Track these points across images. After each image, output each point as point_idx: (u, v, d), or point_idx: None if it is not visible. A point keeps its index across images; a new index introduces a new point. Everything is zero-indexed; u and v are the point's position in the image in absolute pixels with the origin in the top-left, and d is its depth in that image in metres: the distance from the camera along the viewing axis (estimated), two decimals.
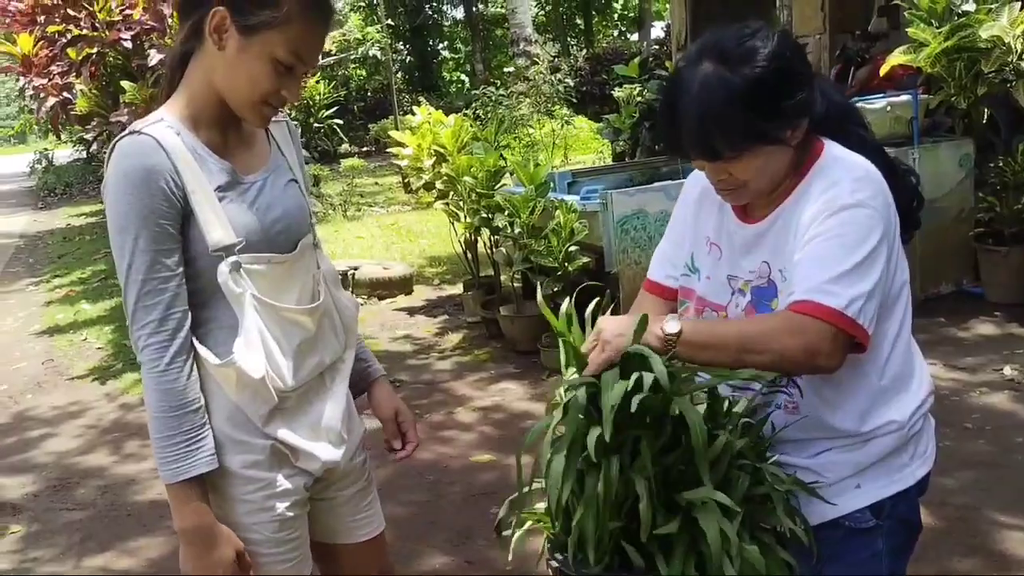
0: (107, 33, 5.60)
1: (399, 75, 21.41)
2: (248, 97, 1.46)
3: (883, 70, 5.64)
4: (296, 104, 8.13)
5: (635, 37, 24.05)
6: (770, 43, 1.36)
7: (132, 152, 1.42)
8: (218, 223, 1.46)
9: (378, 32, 17.94)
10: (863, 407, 1.43)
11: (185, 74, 1.51)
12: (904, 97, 5.26)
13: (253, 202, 1.52)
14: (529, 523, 1.46)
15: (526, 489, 1.42)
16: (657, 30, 22.51)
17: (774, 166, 1.40)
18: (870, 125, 1.56)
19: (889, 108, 5.18)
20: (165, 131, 1.45)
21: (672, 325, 1.29)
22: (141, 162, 1.41)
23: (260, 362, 1.49)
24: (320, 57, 1.61)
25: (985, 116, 5.54)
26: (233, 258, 1.47)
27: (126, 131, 1.46)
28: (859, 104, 5.36)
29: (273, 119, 1.64)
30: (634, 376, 1.21)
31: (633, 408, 1.17)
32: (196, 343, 1.49)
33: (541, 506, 1.42)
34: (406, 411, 1.84)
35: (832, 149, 1.45)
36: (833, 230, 1.34)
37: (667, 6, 17.91)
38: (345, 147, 16.89)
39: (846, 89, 7.40)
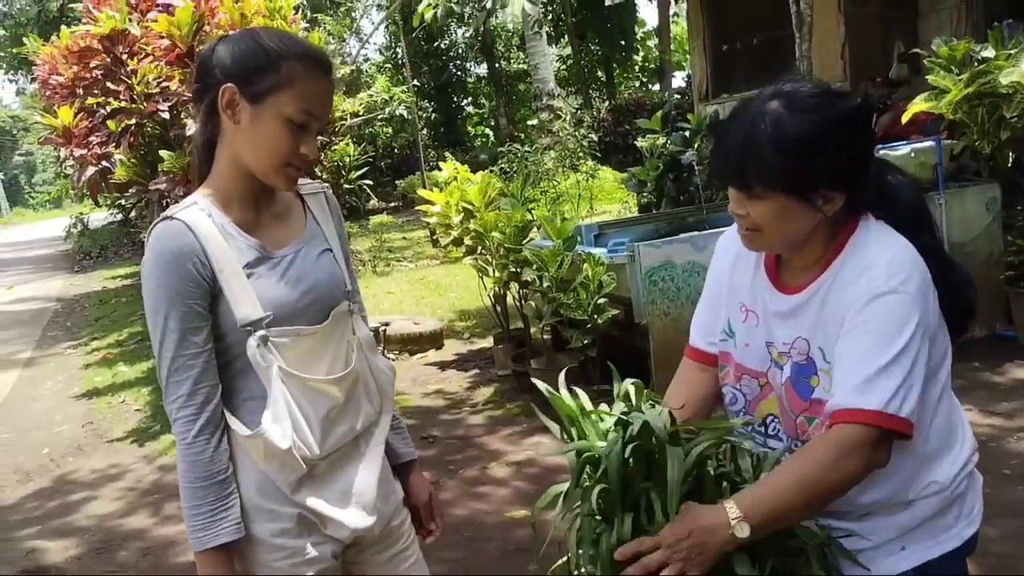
0: (145, 105, 5.79)
1: (425, 131, 21.78)
2: (271, 162, 1.53)
3: (905, 116, 5.68)
4: (327, 167, 8.31)
5: (656, 87, 24.29)
6: (840, 108, 1.37)
7: (163, 236, 1.51)
8: (246, 299, 1.52)
9: (404, 92, 18.30)
10: (907, 476, 1.43)
11: (214, 158, 1.59)
12: (928, 143, 5.29)
13: (283, 276, 1.58)
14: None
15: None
16: (678, 80, 22.74)
17: (794, 224, 1.40)
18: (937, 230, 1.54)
19: (913, 154, 5.21)
20: (196, 214, 1.53)
21: (742, 529, 1.28)
22: (170, 246, 1.49)
23: (287, 433, 1.54)
24: (330, 112, 1.67)
25: (1010, 160, 5.55)
26: (261, 332, 1.53)
27: (161, 217, 1.55)
28: (882, 151, 5.41)
29: (311, 191, 1.72)
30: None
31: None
32: (227, 414, 1.55)
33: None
34: (435, 497, 1.90)
35: (871, 225, 1.45)
36: (869, 322, 1.35)
37: (688, 57, 18.13)
38: (373, 203, 17.13)
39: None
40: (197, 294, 1.50)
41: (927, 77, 5.39)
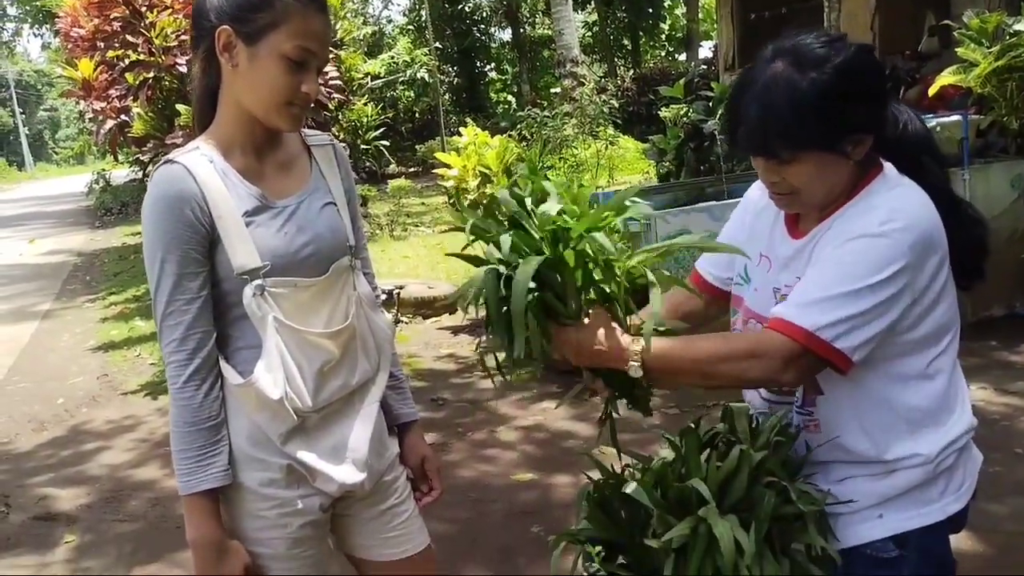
0: (163, 58, 5.79)
1: (446, 96, 21.65)
2: (271, 102, 1.50)
3: (932, 90, 5.58)
4: (345, 126, 8.30)
5: (683, 57, 24.02)
6: (845, 53, 1.34)
7: (163, 180, 1.49)
8: (243, 247, 1.51)
9: (426, 55, 18.16)
10: (881, 435, 1.41)
11: (216, 105, 1.57)
12: (954, 117, 5.19)
13: (283, 226, 1.56)
14: (564, 542, 1.48)
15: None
16: (705, 50, 22.47)
17: (830, 177, 1.38)
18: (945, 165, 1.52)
19: (939, 128, 5.11)
20: (197, 159, 1.51)
21: (635, 371, 1.33)
22: (169, 190, 1.48)
23: (279, 383, 1.53)
24: (328, 49, 1.63)
25: None
26: (258, 281, 1.51)
27: (162, 160, 1.53)
28: None
29: (319, 143, 1.69)
30: None
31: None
32: (221, 361, 1.55)
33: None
34: (433, 458, 1.88)
35: (888, 174, 1.42)
36: (844, 257, 1.33)
37: (715, 27, 17.88)
38: (392, 167, 17.11)
39: None
40: (195, 240, 1.48)
41: (957, 50, 5.28)
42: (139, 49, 5.77)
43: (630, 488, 1.34)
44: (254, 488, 1.58)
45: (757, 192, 1.62)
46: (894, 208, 1.34)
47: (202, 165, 1.50)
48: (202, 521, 1.51)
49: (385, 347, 1.75)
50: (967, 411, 1.50)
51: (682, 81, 7.63)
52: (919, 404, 1.41)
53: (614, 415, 1.62)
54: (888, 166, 1.43)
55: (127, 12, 5.94)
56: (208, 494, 1.51)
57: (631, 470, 1.46)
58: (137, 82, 5.79)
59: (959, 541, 2.94)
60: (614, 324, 1.37)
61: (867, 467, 1.41)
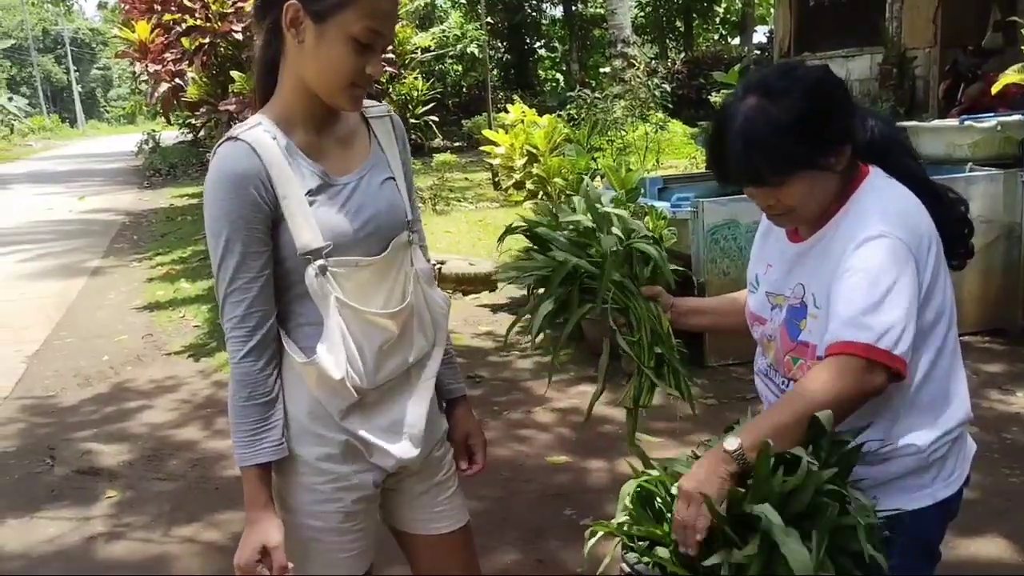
0: (219, 24, 5.83)
1: (495, 72, 21.57)
2: (336, 83, 1.49)
3: (995, 88, 5.45)
4: (395, 100, 8.30)
5: (736, 41, 23.69)
6: (810, 76, 1.48)
7: (228, 157, 1.49)
8: (307, 227, 1.51)
9: (476, 30, 18.08)
10: (885, 428, 1.48)
11: (278, 78, 1.56)
12: (1016, 117, 5.08)
13: (344, 204, 1.56)
14: (602, 532, 1.48)
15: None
16: (760, 35, 22.15)
17: (820, 191, 1.49)
18: (919, 155, 1.63)
19: (999, 128, 5.00)
20: (262, 135, 1.50)
21: (731, 442, 1.33)
22: (235, 168, 1.47)
23: (341, 363, 1.54)
24: (395, 30, 1.64)
25: None
26: (320, 261, 1.52)
27: (226, 136, 1.53)
28: (967, 123, 5.20)
29: (377, 114, 1.69)
30: None
31: None
32: (284, 337, 1.56)
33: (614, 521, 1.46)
34: (478, 433, 1.89)
35: (874, 178, 1.53)
36: (857, 264, 1.41)
37: (772, 12, 17.58)
38: (438, 141, 17.10)
39: (955, 106, 7.17)
40: (258, 219, 1.49)
41: (1022, 48, 5.14)
42: (196, 14, 5.82)
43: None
44: (311, 462, 1.60)
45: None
46: (885, 210, 1.45)
47: (266, 142, 1.50)
48: (251, 493, 1.54)
49: (441, 322, 1.75)
50: (964, 402, 1.57)
51: (737, 67, 7.53)
52: (920, 399, 1.49)
53: (641, 406, 1.67)
54: (874, 169, 1.54)
55: None
56: (261, 467, 1.53)
57: (684, 463, 1.45)
58: (193, 47, 5.85)
59: (999, 549, 2.91)
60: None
61: (864, 455, 1.45)
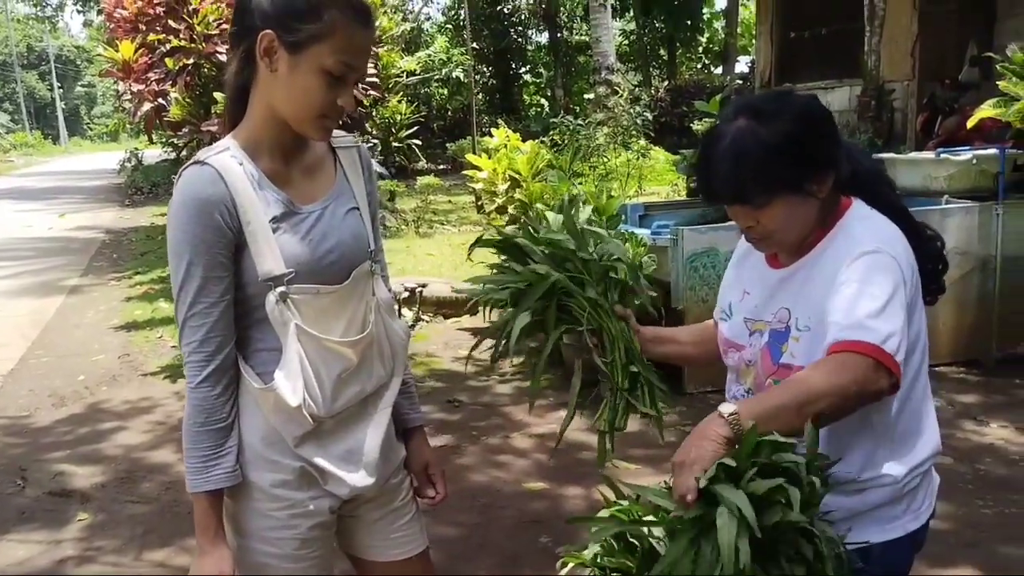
0: (204, 45, 5.84)
1: (480, 96, 21.68)
2: (307, 113, 1.50)
3: (971, 122, 5.53)
4: (378, 123, 8.32)
5: (719, 71, 23.91)
6: (800, 103, 1.52)
7: (194, 181, 1.49)
8: (269, 254, 1.51)
9: (462, 55, 18.19)
10: (864, 458, 1.51)
11: (248, 104, 1.56)
12: (991, 151, 5.14)
13: (307, 233, 1.56)
14: (573, 564, 1.48)
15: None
16: (742, 65, 22.38)
17: (801, 217, 1.51)
18: (898, 189, 1.67)
19: (975, 161, 5.06)
20: (228, 161, 1.50)
21: (726, 407, 1.34)
22: (200, 192, 1.47)
23: (298, 390, 1.54)
24: (368, 63, 1.63)
25: None
26: (281, 288, 1.52)
27: (193, 160, 1.52)
28: (943, 155, 5.27)
29: (344, 145, 1.69)
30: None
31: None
32: (241, 362, 1.56)
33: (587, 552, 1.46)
34: (436, 463, 1.88)
35: (859, 208, 1.56)
36: (858, 273, 1.44)
37: (754, 42, 17.80)
38: (422, 164, 17.14)
39: (932, 138, 7.27)
40: (221, 244, 1.49)
41: (998, 83, 5.22)
42: (180, 35, 5.83)
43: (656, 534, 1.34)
44: (265, 488, 1.59)
45: (743, 240, 1.74)
46: (876, 234, 1.49)
47: (233, 168, 1.50)
48: (201, 520, 1.53)
49: (400, 352, 1.75)
50: (935, 434, 1.60)
51: (718, 97, 7.60)
52: (898, 426, 1.51)
53: (617, 428, 1.67)
54: (856, 200, 1.57)
55: None
56: (212, 493, 1.53)
57: (656, 492, 1.45)
58: (176, 68, 5.85)
59: None
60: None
61: (842, 485, 1.47)
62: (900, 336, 1.38)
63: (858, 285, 1.42)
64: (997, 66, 5.33)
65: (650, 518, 1.39)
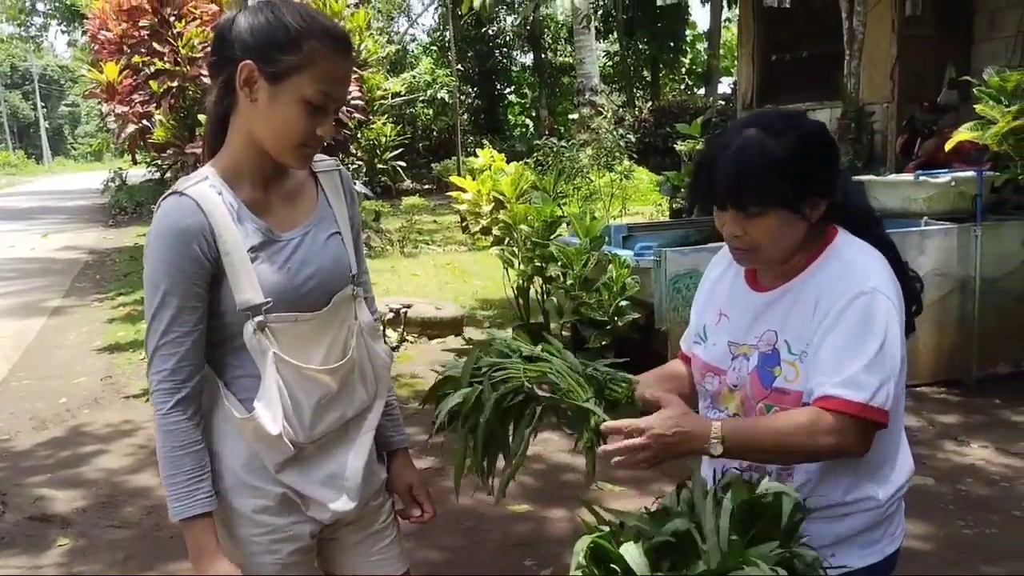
0: (188, 68, 5.85)
1: (465, 116, 21.76)
2: (287, 142, 1.51)
3: (949, 145, 5.60)
4: (363, 144, 8.34)
5: (702, 92, 24.09)
6: (809, 126, 1.55)
7: (172, 212, 1.50)
8: (248, 284, 1.51)
9: (447, 76, 18.28)
10: (844, 479, 1.54)
11: (228, 132, 1.57)
12: (969, 173, 5.21)
13: (286, 261, 1.56)
14: None
15: None
16: (724, 86, 22.55)
17: (789, 235, 1.53)
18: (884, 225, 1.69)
19: (953, 183, 5.13)
20: (207, 191, 1.51)
21: (715, 448, 1.44)
22: (178, 223, 1.48)
23: (278, 419, 1.54)
24: (348, 92, 1.65)
25: None
26: (259, 317, 1.52)
27: (171, 190, 1.54)
28: (922, 177, 5.33)
29: (325, 169, 1.70)
30: None
31: None
32: (223, 388, 1.57)
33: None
34: (420, 484, 1.88)
35: (845, 235, 1.59)
36: (851, 319, 1.47)
37: (736, 64, 17.96)
38: (407, 184, 17.17)
39: (911, 160, 7.35)
40: (198, 274, 1.49)
41: (976, 106, 5.30)
42: (165, 58, 5.84)
43: (628, 553, 1.34)
44: (247, 514, 1.59)
45: (718, 259, 1.82)
46: (868, 265, 1.52)
47: (211, 198, 1.50)
48: (200, 543, 1.53)
49: (383, 375, 1.76)
50: (909, 457, 1.65)
51: (700, 119, 7.68)
52: (879, 448, 1.52)
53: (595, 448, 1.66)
54: (842, 229, 1.60)
55: (155, 20, 6.02)
56: (205, 516, 1.53)
57: (638, 517, 1.46)
58: (161, 90, 5.86)
59: None
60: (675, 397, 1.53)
61: (827, 510, 1.52)
62: (893, 381, 1.44)
63: (853, 331, 1.46)
64: (974, 90, 5.41)
65: (628, 551, 1.39)
